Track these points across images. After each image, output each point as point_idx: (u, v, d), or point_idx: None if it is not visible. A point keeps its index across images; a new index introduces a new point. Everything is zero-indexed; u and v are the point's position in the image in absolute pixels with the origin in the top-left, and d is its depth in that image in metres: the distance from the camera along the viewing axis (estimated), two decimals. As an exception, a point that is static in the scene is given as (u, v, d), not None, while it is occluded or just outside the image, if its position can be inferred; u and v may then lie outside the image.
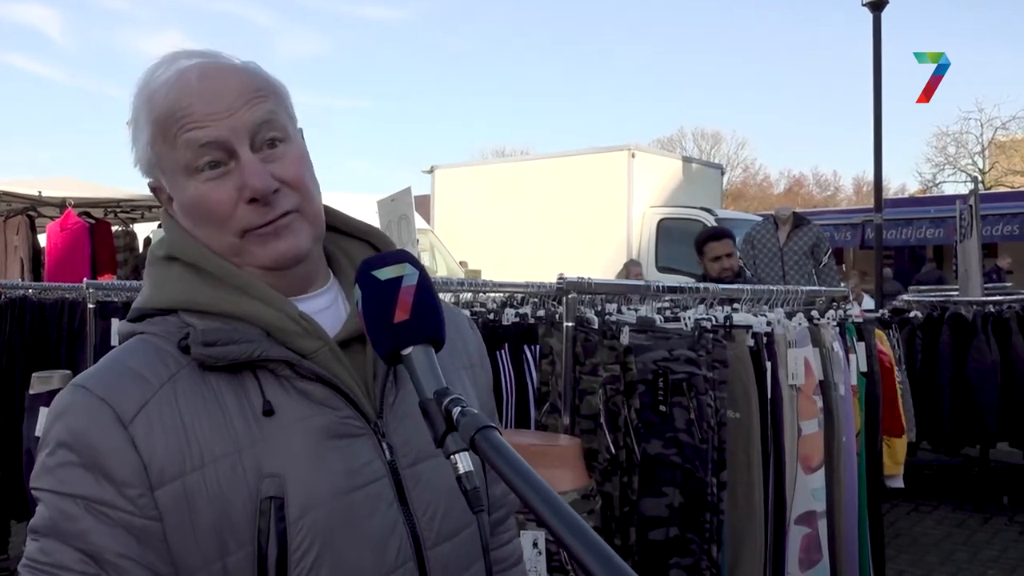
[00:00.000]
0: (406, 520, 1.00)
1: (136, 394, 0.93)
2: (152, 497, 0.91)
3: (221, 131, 0.97)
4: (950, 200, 13.08)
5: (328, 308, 1.08)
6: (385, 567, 0.98)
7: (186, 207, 1.02)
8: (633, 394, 2.48)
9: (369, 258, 0.96)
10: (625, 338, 2.50)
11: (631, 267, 9.41)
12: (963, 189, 26.38)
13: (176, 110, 0.98)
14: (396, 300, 0.90)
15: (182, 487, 0.91)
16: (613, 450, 2.42)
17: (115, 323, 4.28)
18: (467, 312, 2.77)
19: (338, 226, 1.16)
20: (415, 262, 0.94)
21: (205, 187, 0.99)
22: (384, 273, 0.92)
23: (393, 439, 1.02)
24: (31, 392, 3.89)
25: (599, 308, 2.84)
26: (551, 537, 0.72)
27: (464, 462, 0.79)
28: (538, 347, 2.86)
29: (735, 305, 3.11)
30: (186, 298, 1.00)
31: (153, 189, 1.07)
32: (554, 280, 2.71)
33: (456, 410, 0.80)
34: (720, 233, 5.20)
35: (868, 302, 8.14)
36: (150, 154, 1.02)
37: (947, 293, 7.05)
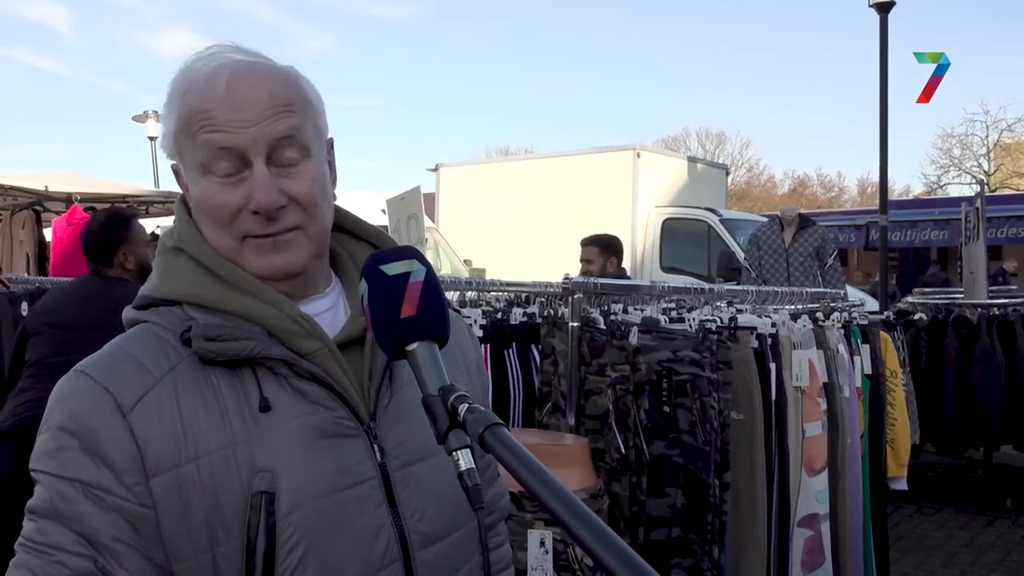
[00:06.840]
0: (394, 522, 1.01)
1: (137, 384, 0.95)
2: (147, 485, 0.92)
3: (240, 139, 0.98)
4: (955, 202, 13.08)
5: (328, 310, 1.08)
6: (371, 567, 0.98)
7: (196, 202, 1.03)
8: (642, 394, 2.48)
9: (376, 252, 0.95)
10: (634, 338, 2.50)
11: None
12: (968, 191, 26.35)
13: (200, 110, 0.98)
14: (403, 296, 0.89)
15: (176, 477, 0.93)
16: (623, 450, 2.43)
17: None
18: (478, 311, 2.77)
19: (348, 227, 1.16)
20: (422, 259, 0.94)
21: (215, 188, 1.00)
22: (392, 268, 0.91)
23: (385, 441, 1.03)
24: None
25: (605, 308, 2.84)
26: (566, 534, 0.71)
27: (466, 459, 0.79)
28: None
29: (739, 306, 3.11)
30: (194, 292, 1.01)
31: (175, 171, 1.09)
32: (559, 280, 2.71)
33: (463, 407, 0.80)
34: (584, 240, 5.17)
35: (872, 304, 8.13)
36: (173, 142, 1.04)
37: (952, 295, 7.04)
